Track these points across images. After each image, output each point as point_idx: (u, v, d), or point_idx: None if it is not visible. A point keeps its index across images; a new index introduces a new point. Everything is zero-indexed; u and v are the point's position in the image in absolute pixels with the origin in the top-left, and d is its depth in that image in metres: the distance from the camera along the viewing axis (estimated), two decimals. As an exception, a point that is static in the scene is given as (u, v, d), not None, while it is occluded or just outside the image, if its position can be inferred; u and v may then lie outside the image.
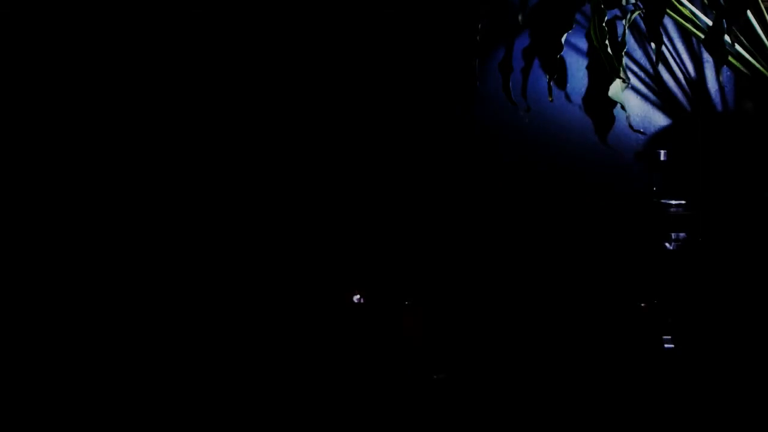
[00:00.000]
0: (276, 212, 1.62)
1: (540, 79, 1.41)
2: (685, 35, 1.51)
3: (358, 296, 1.45)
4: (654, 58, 1.42)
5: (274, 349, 1.52)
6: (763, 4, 1.28)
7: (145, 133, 1.61)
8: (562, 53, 1.32)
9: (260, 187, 1.62)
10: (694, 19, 1.35)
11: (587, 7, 1.35)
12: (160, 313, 1.57)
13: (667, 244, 1.45)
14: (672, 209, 1.45)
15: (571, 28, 1.32)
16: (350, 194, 1.63)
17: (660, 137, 1.61)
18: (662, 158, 1.47)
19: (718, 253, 1.51)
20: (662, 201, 1.46)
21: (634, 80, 1.57)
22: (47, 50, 1.58)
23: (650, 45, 1.42)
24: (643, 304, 1.51)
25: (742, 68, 1.31)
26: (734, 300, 1.49)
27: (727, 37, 1.18)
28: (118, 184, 1.60)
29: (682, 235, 1.45)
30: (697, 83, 1.58)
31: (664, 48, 1.50)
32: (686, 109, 1.61)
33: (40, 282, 1.56)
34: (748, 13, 1.26)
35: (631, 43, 1.56)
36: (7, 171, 1.57)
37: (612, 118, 1.35)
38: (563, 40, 1.33)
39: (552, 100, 1.45)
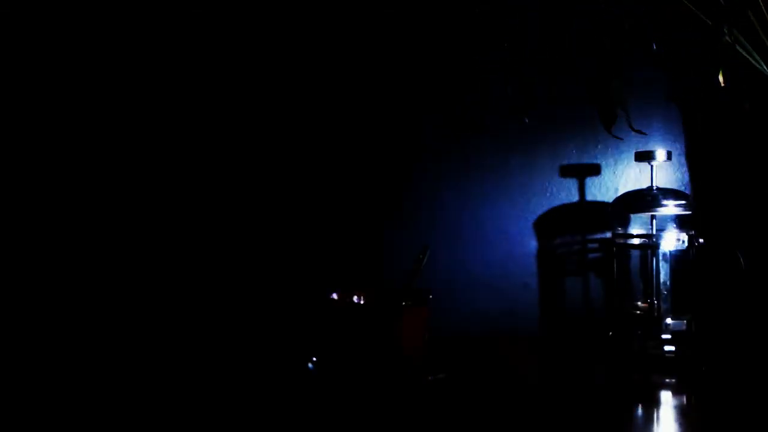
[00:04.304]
0: (275, 212, 1.62)
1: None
2: (685, 35, 1.52)
3: (358, 297, 1.45)
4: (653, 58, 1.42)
5: (273, 350, 1.52)
6: (763, 4, 1.29)
7: (136, 132, 1.61)
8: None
9: (259, 186, 1.62)
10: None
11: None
12: (151, 312, 1.57)
13: (664, 245, 1.45)
14: (672, 209, 1.46)
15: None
16: (349, 194, 1.64)
17: (660, 137, 1.62)
18: (661, 158, 1.47)
19: (719, 253, 1.51)
20: (661, 201, 1.46)
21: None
22: (47, 50, 1.58)
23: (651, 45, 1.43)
24: (640, 304, 1.51)
25: (742, 67, 1.32)
26: (735, 300, 1.50)
27: (727, 38, 1.19)
28: (107, 181, 1.60)
29: (681, 235, 1.45)
30: (697, 83, 1.59)
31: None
32: (686, 109, 1.62)
33: (37, 281, 1.56)
34: (748, 12, 1.26)
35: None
36: (6, 171, 1.57)
37: (614, 115, 1.35)
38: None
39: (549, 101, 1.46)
